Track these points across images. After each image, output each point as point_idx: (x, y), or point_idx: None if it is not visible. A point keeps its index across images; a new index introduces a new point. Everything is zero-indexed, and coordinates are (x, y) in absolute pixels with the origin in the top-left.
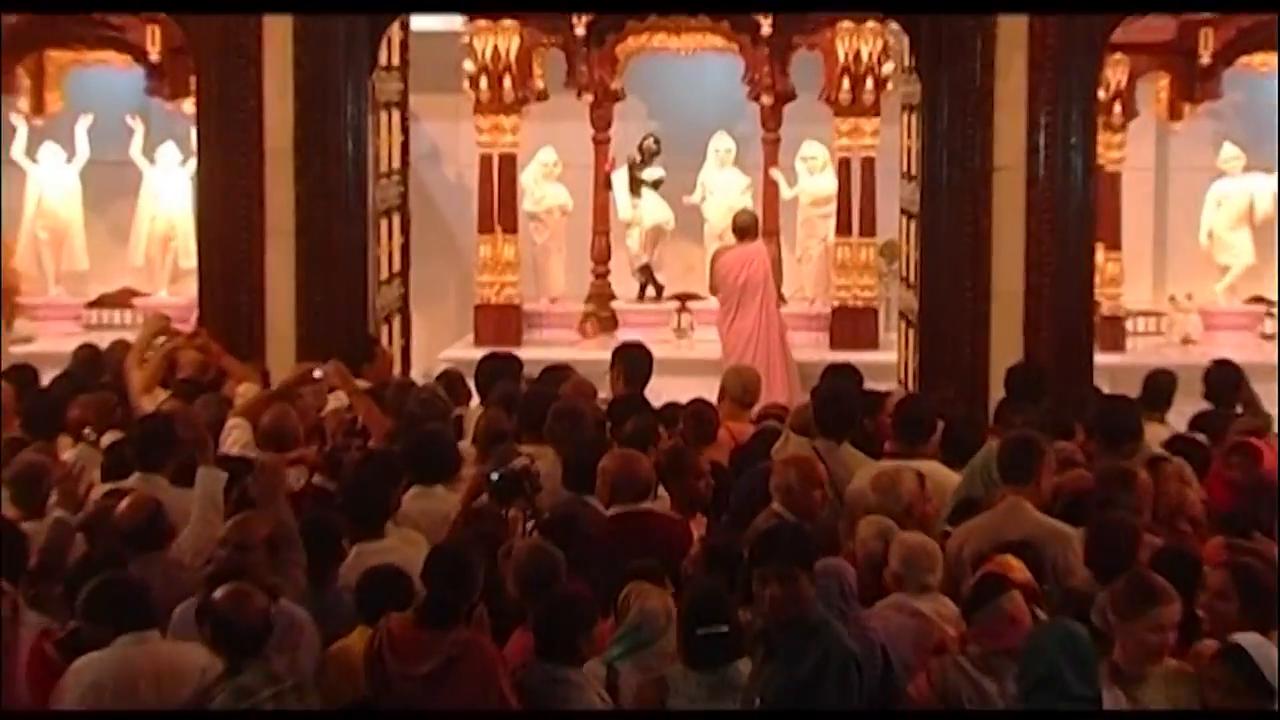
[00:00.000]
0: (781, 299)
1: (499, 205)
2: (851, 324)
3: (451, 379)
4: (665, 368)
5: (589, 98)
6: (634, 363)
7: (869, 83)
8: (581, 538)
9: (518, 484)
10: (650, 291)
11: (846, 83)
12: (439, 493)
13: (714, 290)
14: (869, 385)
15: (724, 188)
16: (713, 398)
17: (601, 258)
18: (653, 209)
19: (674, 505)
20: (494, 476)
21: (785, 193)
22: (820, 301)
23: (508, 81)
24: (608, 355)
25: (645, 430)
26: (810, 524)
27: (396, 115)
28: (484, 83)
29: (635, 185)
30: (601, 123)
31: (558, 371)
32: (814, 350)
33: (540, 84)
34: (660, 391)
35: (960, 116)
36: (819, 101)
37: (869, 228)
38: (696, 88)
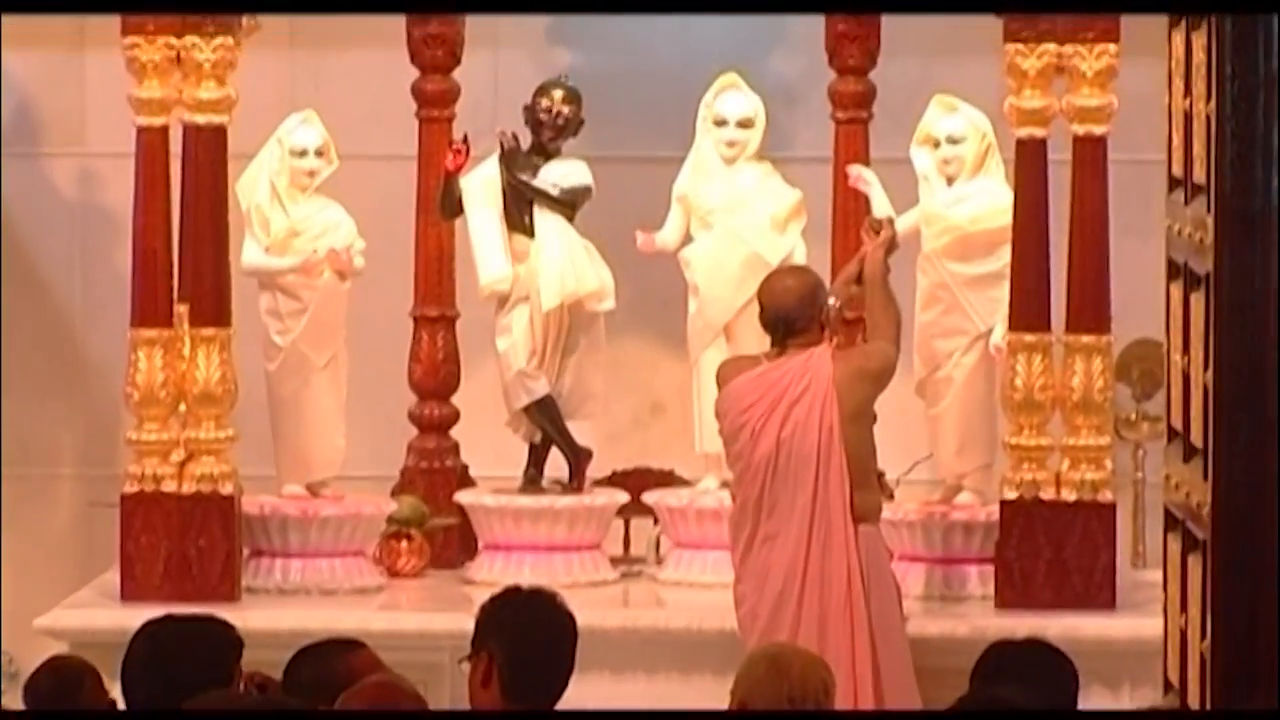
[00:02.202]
0: (883, 486)
1: (185, 254)
2: (1052, 547)
3: (66, 677)
4: (599, 652)
5: None
6: (527, 642)
7: None
8: None
9: None
10: (558, 469)
11: None
12: None
13: (730, 465)
14: (1091, 695)
15: (736, 210)
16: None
17: (435, 381)
18: (559, 262)
19: None
20: None
21: (894, 221)
22: (974, 491)
23: None
24: (458, 620)
25: None
26: None
27: None
28: None
29: (519, 204)
30: (437, 58)
31: (327, 658)
32: (959, 610)
33: None
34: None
35: None
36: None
37: (1088, 310)
38: None
